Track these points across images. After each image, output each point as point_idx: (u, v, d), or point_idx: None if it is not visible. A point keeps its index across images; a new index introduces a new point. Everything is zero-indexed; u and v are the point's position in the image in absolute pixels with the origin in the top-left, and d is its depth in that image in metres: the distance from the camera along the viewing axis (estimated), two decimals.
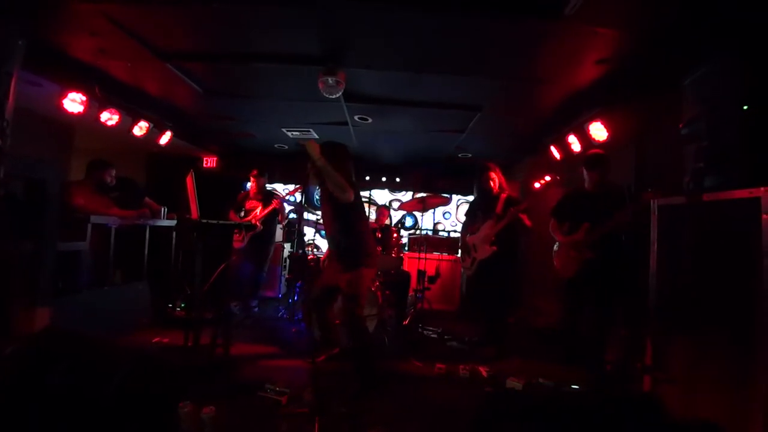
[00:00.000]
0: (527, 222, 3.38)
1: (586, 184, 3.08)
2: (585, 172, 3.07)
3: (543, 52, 2.68)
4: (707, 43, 2.18)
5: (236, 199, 4.58)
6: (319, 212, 4.05)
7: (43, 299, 2.56)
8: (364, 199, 2.81)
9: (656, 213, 2.29)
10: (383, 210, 4.62)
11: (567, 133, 3.72)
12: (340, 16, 2.40)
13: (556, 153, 4.09)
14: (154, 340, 3.35)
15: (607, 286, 2.87)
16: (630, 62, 2.69)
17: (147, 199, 4.17)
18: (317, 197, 2.59)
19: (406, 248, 5.64)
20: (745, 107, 1.85)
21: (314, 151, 2.36)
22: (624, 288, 2.89)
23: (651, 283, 2.28)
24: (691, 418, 1.85)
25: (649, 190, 2.64)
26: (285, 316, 4.38)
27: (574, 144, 3.68)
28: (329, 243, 2.77)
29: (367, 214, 2.87)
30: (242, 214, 4.41)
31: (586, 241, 2.90)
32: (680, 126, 2.20)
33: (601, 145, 3.33)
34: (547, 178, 4.78)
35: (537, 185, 5.04)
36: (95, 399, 1.50)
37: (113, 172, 3.89)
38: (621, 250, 2.84)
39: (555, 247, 3.19)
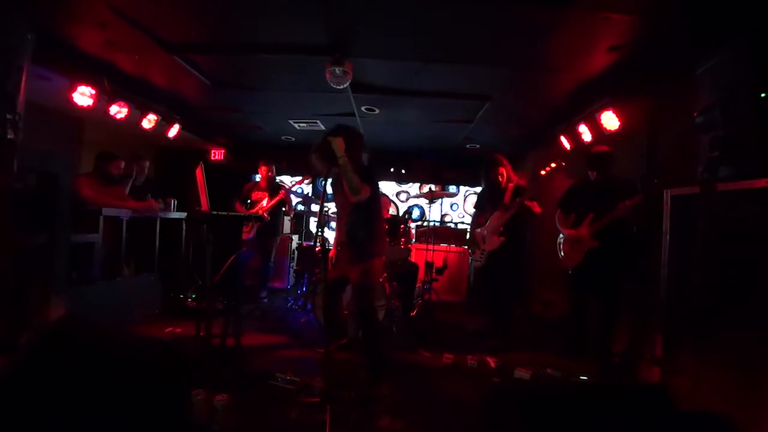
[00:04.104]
0: (537, 209, 3.38)
1: (592, 176, 3.17)
2: (589, 168, 3.16)
3: (554, 39, 2.62)
4: (722, 29, 2.11)
5: (241, 190, 4.58)
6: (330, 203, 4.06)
7: (59, 290, 2.61)
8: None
9: (669, 203, 2.25)
10: (384, 200, 4.57)
11: (578, 123, 3.65)
12: (348, 4, 2.37)
13: (566, 143, 4.03)
14: (166, 330, 3.41)
15: (610, 275, 2.95)
16: (643, 49, 2.63)
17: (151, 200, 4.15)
18: (324, 185, 2.55)
19: (414, 239, 5.63)
20: (763, 95, 1.80)
21: (340, 148, 2.34)
22: (626, 276, 2.95)
23: (662, 274, 2.25)
24: (701, 409, 1.84)
25: (655, 180, 2.66)
26: (294, 307, 4.42)
27: (585, 134, 3.61)
28: (340, 233, 2.74)
29: (381, 203, 2.85)
30: (248, 203, 4.42)
31: (590, 231, 2.96)
32: (694, 114, 2.16)
33: (612, 134, 3.28)
34: (553, 164, 4.72)
35: (542, 172, 4.98)
36: (110, 386, 1.54)
37: (121, 165, 3.91)
38: (624, 240, 2.95)
39: (560, 238, 3.27)
